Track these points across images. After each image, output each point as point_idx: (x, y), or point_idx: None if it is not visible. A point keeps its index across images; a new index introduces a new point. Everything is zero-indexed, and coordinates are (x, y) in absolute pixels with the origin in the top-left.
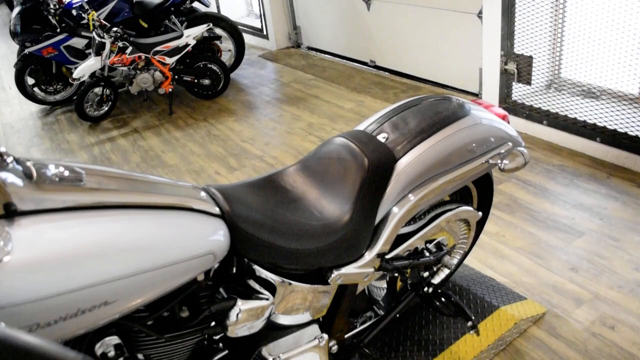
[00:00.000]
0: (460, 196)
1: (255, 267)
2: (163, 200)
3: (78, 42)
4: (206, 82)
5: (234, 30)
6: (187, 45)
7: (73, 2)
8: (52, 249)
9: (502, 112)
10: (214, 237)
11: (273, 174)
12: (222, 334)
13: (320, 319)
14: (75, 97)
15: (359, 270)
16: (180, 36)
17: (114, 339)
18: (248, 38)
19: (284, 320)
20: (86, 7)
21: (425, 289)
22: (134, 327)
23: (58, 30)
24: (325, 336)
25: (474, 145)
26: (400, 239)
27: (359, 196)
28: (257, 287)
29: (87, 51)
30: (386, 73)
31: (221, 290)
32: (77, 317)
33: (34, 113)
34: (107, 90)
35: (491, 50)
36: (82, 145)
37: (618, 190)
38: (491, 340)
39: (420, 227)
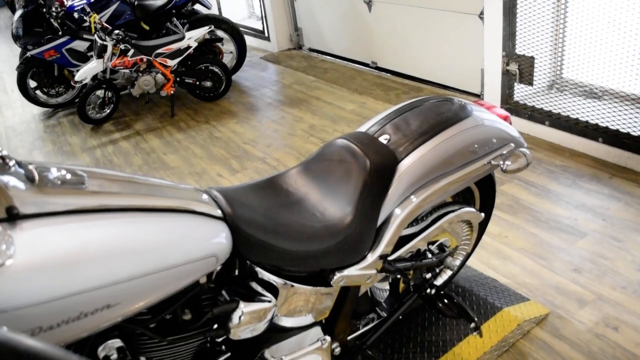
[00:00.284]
0: (463, 197)
1: (258, 269)
2: (165, 203)
3: (80, 45)
4: (208, 84)
5: (235, 32)
6: (188, 47)
7: (75, 5)
8: (55, 252)
9: (504, 113)
10: (216, 240)
11: (275, 176)
12: (224, 337)
13: (323, 321)
14: (77, 100)
15: (362, 272)
16: (182, 38)
17: (117, 342)
18: (249, 40)
19: (286, 322)
20: (88, 10)
21: (428, 290)
22: (137, 330)
23: (60, 33)
24: (328, 338)
25: (476, 146)
26: (402, 241)
27: (361, 198)
28: (259, 289)
29: (89, 54)
30: (388, 74)
31: (223, 292)
32: (79, 320)
33: (36, 116)
34: (109, 93)
35: (493, 51)
36: (84, 148)
37: (621, 191)
38: (494, 341)
39: (423, 229)
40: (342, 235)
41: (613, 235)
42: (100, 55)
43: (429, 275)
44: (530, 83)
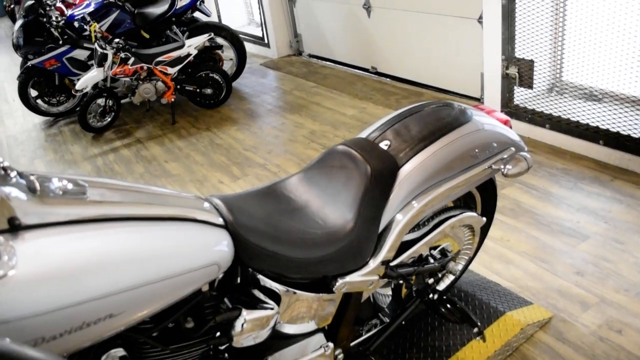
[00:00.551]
0: (464, 202)
1: (260, 276)
2: (166, 212)
3: (80, 54)
4: (208, 91)
5: (235, 39)
6: (188, 55)
7: (75, 14)
8: (57, 262)
9: (504, 117)
10: (218, 248)
11: (276, 183)
12: (227, 345)
13: (326, 327)
14: (78, 109)
15: (364, 278)
16: (182, 46)
17: (120, 351)
18: (249, 47)
19: (289, 329)
20: (88, 19)
21: (431, 295)
22: (139, 339)
23: (60, 42)
24: (331, 345)
25: (476, 151)
26: (404, 246)
27: (362, 204)
28: (261, 296)
29: (89, 62)
30: (388, 79)
31: (226, 300)
32: (82, 330)
33: (37, 125)
34: (110, 101)
35: (492, 55)
36: (86, 157)
37: (622, 193)
38: (497, 346)
39: (425, 234)
40: (343, 241)
41: (615, 238)
42: (100, 64)
43: (431, 280)
44: (530, 86)
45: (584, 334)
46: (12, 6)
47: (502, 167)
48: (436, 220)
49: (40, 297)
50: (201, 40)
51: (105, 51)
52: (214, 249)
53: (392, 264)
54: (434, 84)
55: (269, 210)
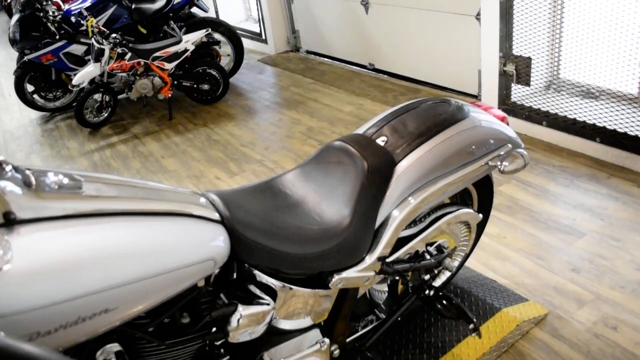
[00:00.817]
0: (461, 198)
1: (256, 272)
2: (162, 207)
3: (77, 49)
4: (205, 87)
5: (232, 35)
6: (186, 50)
7: (72, 9)
8: (52, 257)
9: (501, 113)
10: (214, 243)
11: (273, 178)
12: (223, 340)
13: (322, 323)
14: (74, 104)
15: (360, 274)
16: (179, 42)
17: (115, 346)
18: (247, 42)
19: (285, 325)
20: (85, 13)
21: (427, 291)
22: (135, 334)
23: (57, 37)
24: (327, 340)
25: (473, 147)
26: (400, 242)
27: (358, 200)
28: (257, 292)
29: (86, 58)
30: (385, 76)
31: (222, 296)
32: (77, 325)
33: (33, 120)
34: (107, 97)
35: (490, 52)
36: (82, 152)
37: (619, 191)
38: (493, 342)
39: (421, 230)
40: (340, 237)
41: (611, 235)
42: (97, 59)
43: (427, 277)
44: (528, 84)
45: (580, 330)
46: (8, 1)
47: (498, 163)
48: (433, 217)
49: (36, 291)
50: (198, 35)
51: (102, 46)
52: (210, 245)
53: (388, 260)
54: (432, 81)
55: (266, 205)
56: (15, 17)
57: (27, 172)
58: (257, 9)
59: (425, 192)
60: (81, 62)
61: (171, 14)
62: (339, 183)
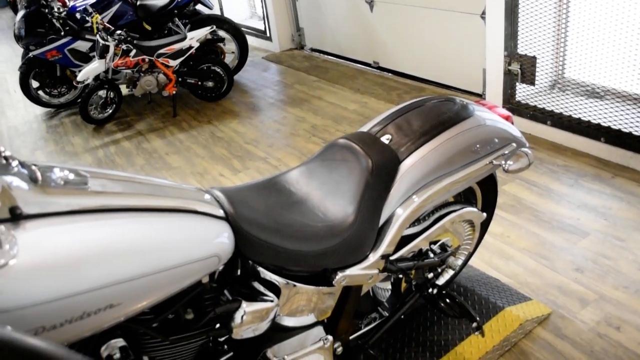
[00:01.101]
0: (465, 197)
1: (260, 269)
2: (167, 203)
3: (82, 45)
4: (210, 84)
5: (237, 33)
6: (190, 47)
7: (77, 5)
8: (58, 252)
9: (506, 112)
10: (218, 240)
11: (277, 175)
12: (227, 336)
13: (325, 320)
14: (79, 100)
15: (364, 272)
16: (184, 39)
17: (120, 342)
18: (251, 40)
19: (288, 322)
20: (90, 10)
21: (430, 290)
22: (139, 330)
23: (62, 33)
24: (330, 338)
25: (477, 146)
26: (404, 240)
27: (363, 198)
28: (261, 289)
29: (91, 54)
30: (389, 74)
31: (226, 292)
32: (82, 320)
33: (38, 116)
34: (111, 93)
35: (495, 51)
36: (87, 148)
37: (623, 191)
38: (496, 341)
39: (425, 228)
40: (344, 235)
41: (615, 235)
42: (102, 56)
43: (431, 275)
44: (532, 83)
45: (583, 330)
46: None
47: (503, 162)
48: (436, 215)
49: (41, 286)
50: (203, 32)
51: (107, 43)
52: (214, 241)
53: (392, 258)
54: (436, 79)
55: (270, 203)
56: (21, 13)
57: (34, 167)
58: (262, 7)
59: (430, 191)
60: (86, 58)
61: (176, 11)
62: (343, 181)
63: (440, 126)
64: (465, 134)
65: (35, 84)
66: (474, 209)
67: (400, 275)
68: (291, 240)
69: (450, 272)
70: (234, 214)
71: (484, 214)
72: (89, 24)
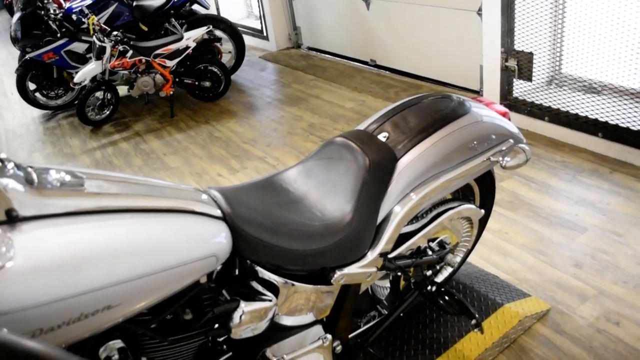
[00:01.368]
0: (462, 194)
1: (258, 268)
2: (164, 204)
3: (79, 47)
4: (207, 84)
5: (234, 32)
6: (187, 47)
7: (73, 7)
8: (54, 254)
9: (503, 109)
10: (216, 240)
11: (274, 175)
12: (225, 336)
13: (324, 319)
14: (76, 102)
15: (362, 270)
16: (181, 39)
17: (118, 343)
18: (248, 39)
19: (287, 321)
20: (86, 11)
21: (429, 287)
22: (138, 331)
23: (58, 35)
24: (329, 336)
25: (475, 143)
26: (402, 238)
27: (360, 196)
28: (260, 288)
29: (87, 55)
30: (387, 72)
31: (224, 292)
32: (80, 322)
33: (35, 118)
34: (108, 94)
35: (491, 47)
36: (85, 150)
37: (621, 186)
38: (495, 337)
39: (423, 226)
40: (342, 233)
41: (614, 230)
42: (99, 57)
43: (429, 273)
44: (529, 79)
45: (582, 325)
46: None
47: (500, 159)
48: (434, 213)
49: (38, 288)
50: (200, 33)
51: (103, 44)
52: (212, 241)
53: (390, 256)
54: (433, 77)
55: (268, 202)
56: (17, 15)
57: (29, 169)
58: (258, 6)
59: (427, 188)
60: (83, 60)
61: (172, 12)
62: (341, 179)
63: (437, 123)
64: (462, 130)
65: (32, 86)
66: (472, 206)
67: (399, 273)
68: (289, 239)
69: (449, 270)
70: (231, 213)
71: (482, 211)
72: (85, 26)
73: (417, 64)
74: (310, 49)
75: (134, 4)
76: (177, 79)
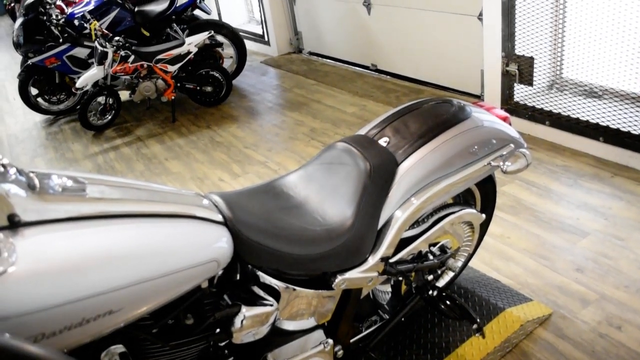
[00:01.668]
0: (464, 199)
1: (259, 273)
2: (166, 209)
3: (81, 52)
4: (208, 89)
5: (235, 37)
6: (189, 53)
7: (75, 12)
8: (56, 259)
9: (504, 113)
10: (217, 245)
11: (275, 180)
12: (227, 341)
13: (325, 324)
14: (78, 107)
15: (363, 275)
16: (182, 44)
17: (119, 348)
18: (249, 44)
19: (288, 326)
20: (88, 17)
21: (430, 292)
22: (139, 336)
23: (60, 40)
24: (331, 341)
25: (475, 147)
26: (403, 243)
27: (361, 200)
28: (261, 293)
29: (89, 61)
30: (388, 77)
31: (225, 297)
32: (82, 327)
33: (37, 123)
34: (110, 99)
35: (492, 52)
36: (86, 155)
37: (622, 190)
38: (497, 342)
39: (424, 231)
40: (343, 238)
41: (615, 234)
42: (101, 62)
43: (430, 277)
44: (530, 83)
45: (584, 330)
46: (12, 4)
47: (501, 163)
48: (435, 217)
49: (40, 293)
50: (201, 38)
51: (105, 49)
52: (213, 246)
53: (391, 260)
54: (434, 81)
55: (269, 207)
56: (19, 20)
57: (31, 174)
58: (260, 11)
59: (428, 193)
60: (84, 65)
61: (174, 17)
62: (342, 184)
63: (437, 128)
64: (463, 135)
65: (34, 91)
66: (473, 211)
67: (400, 278)
68: (290, 244)
69: (450, 274)
70: (232, 218)
71: (483, 215)
72: (87, 31)
73: (418, 69)
74: (311, 53)
75: (136, 9)
76: (178, 84)
